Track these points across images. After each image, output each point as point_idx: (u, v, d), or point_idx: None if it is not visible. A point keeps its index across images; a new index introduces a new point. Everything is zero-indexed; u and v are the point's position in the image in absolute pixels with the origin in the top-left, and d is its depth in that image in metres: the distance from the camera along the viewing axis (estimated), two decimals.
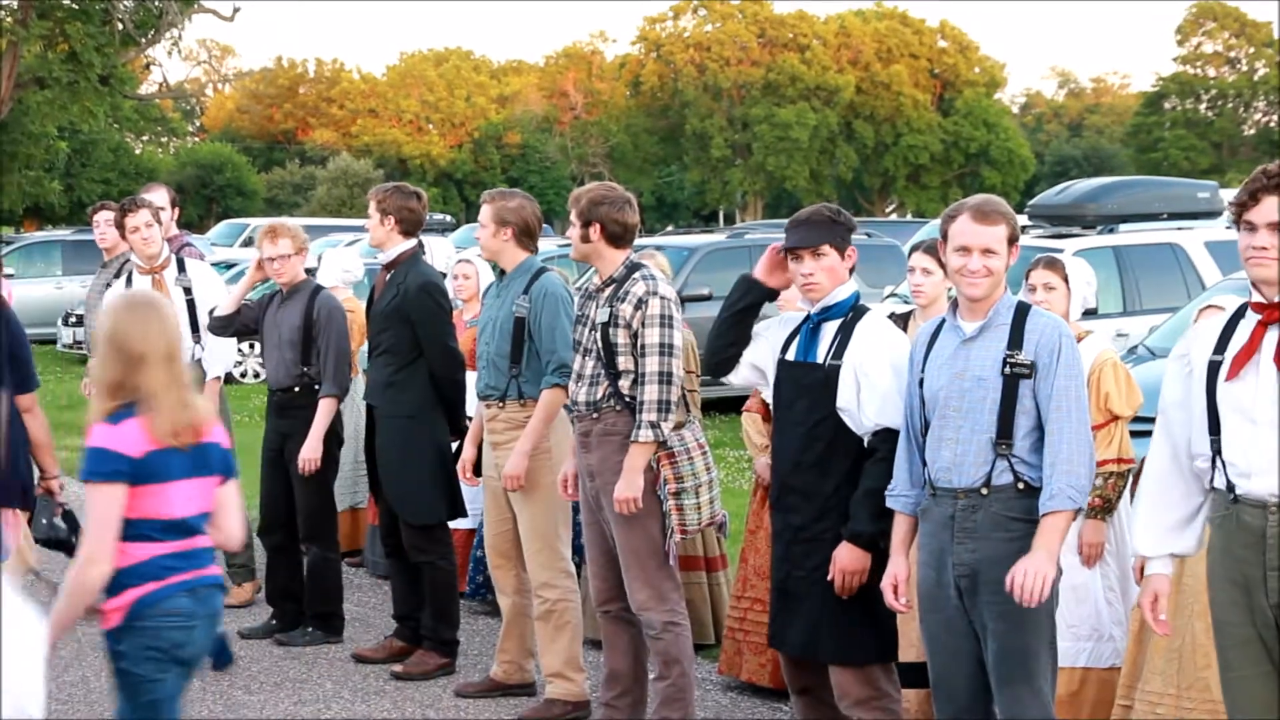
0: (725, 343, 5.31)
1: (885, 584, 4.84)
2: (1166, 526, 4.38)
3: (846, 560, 4.97)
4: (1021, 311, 4.66)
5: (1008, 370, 4.56)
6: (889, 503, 4.87)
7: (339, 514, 9.41)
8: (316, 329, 7.62)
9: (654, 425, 5.70)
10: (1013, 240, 4.65)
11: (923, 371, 4.73)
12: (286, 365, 7.70)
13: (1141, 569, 5.56)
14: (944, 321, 4.76)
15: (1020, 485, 4.57)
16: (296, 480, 7.66)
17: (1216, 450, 4.17)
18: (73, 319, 22.27)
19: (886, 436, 4.95)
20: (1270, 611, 4.09)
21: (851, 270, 5.19)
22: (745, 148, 63.22)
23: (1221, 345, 4.20)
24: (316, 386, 7.66)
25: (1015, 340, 4.59)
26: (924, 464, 4.73)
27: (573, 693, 6.50)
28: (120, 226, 8.63)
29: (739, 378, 5.39)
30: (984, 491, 4.58)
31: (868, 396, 4.99)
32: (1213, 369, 4.19)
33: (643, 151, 66.78)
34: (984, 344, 4.63)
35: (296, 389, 7.69)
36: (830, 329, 5.12)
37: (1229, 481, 4.15)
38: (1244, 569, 4.13)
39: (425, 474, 7.06)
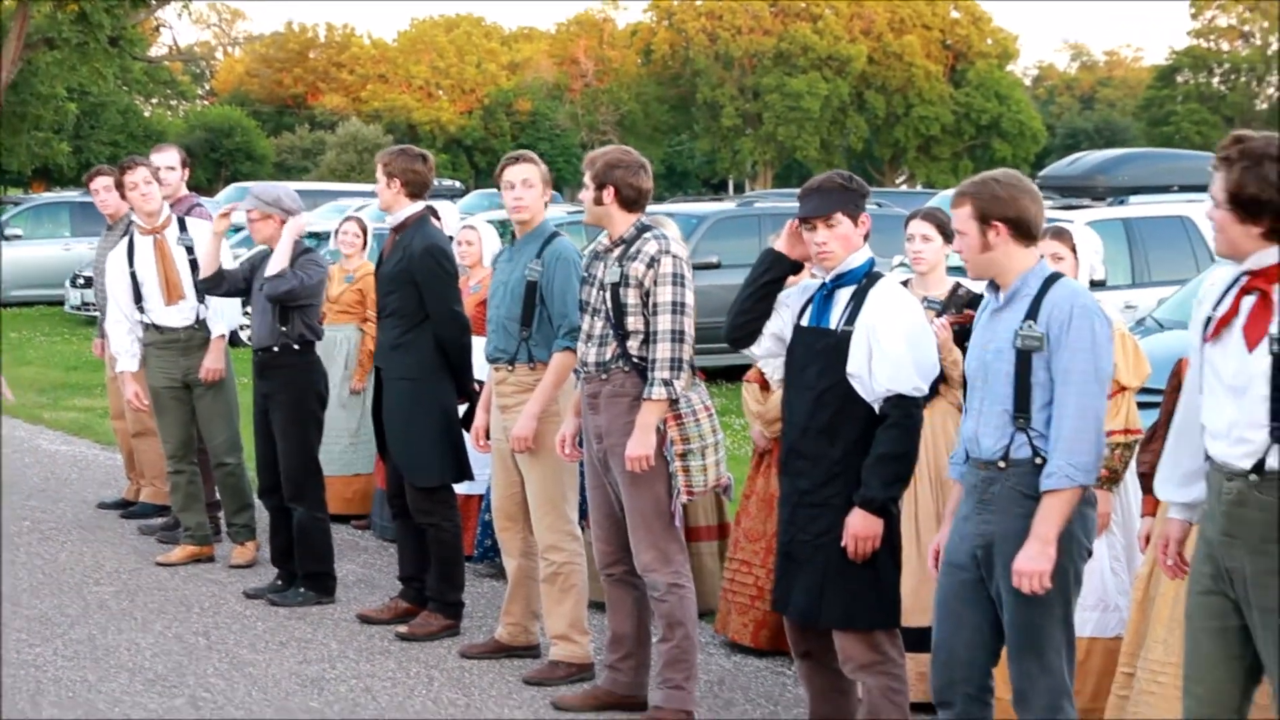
0: (748, 316, 5.27)
1: (929, 550, 4.89)
2: (1180, 475, 4.36)
3: (859, 526, 4.97)
4: (1049, 282, 4.59)
5: (1019, 343, 4.53)
6: (950, 472, 4.87)
7: (352, 479, 9.48)
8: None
9: (667, 383, 5.68)
10: None
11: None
12: (268, 324, 7.74)
13: (1147, 538, 5.59)
14: None
15: (1038, 460, 4.52)
16: (279, 441, 7.73)
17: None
18: (80, 280, 22.26)
19: (898, 402, 4.95)
20: (1227, 575, 4.06)
21: (866, 237, 5.18)
22: (756, 117, 63.00)
23: (1220, 301, 4.14)
24: (295, 347, 7.71)
25: (1033, 311, 4.54)
26: None
27: (577, 655, 6.52)
28: (120, 186, 8.63)
29: (761, 349, 5.35)
30: (1001, 465, 4.56)
31: (879, 362, 4.98)
32: (1206, 325, 4.15)
33: (653, 120, 66.57)
34: (1008, 315, 4.60)
35: (276, 349, 7.73)
36: (844, 295, 5.11)
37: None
38: (1212, 528, 4.11)
39: (430, 436, 7.06)
